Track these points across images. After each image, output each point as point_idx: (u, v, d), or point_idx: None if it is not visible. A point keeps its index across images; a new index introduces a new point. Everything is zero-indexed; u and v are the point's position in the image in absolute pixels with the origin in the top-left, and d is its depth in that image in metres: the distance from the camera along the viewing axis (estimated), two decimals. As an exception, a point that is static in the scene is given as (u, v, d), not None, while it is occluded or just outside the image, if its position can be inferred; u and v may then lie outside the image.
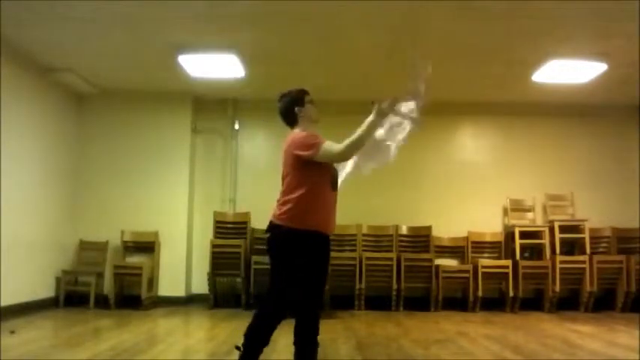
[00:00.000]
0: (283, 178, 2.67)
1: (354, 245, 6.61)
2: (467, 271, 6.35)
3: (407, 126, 2.73)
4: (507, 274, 6.27)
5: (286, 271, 2.58)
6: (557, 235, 6.42)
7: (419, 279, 6.32)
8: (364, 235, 6.69)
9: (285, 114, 2.75)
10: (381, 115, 2.53)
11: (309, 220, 2.55)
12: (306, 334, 2.54)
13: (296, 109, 2.71)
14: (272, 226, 2.62)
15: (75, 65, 5.95)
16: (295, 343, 2.56)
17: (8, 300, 5.17)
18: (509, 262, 6.34)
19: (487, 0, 4.22)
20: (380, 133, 2.72)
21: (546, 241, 6.42)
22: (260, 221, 6.14)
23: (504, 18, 4.55)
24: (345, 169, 2.86)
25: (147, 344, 4.21)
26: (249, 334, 2.61)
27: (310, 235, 2.55)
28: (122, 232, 6.49)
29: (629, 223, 6.62)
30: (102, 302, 6.11)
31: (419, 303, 6.27)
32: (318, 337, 2.59)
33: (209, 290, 6.26)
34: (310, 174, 2.57)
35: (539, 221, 6.80)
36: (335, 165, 2.72)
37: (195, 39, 5.15)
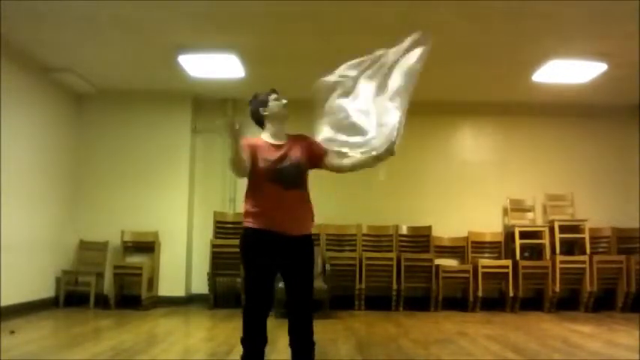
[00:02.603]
0: None
1: (354, 245, 6.62)
2: (467, 271, 6.35)
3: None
4: (507, 274, 6.27)
5: (244, 268, 2.68)
6: (557, 235, 6.42)
7: (419, 279, 6.32)
8: (364, 235, 6.69)
9: (253, 117, 2.77)
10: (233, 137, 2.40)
11: (257, 219, 2.56)
12: (299, 335, 2.55)
13: (260, 109, 2.72)
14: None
15: (75, 65, 5.94)
16: (290, 344, 2.56)
17: (8, 300, 5.17)
18: (509, 262, 6.34)
19: (487, 0, 4.22)
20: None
21: (546, 241, 6.42)
22: (260, 221, 6.14)
23: (504, 18, 4.55)
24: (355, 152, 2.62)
25: (147, 344, 4.21)
26: (242, 336, 2.65)
27: (261, 233, 2.54)
28: (122, 232, 6.49)
29: (629, 223, 6.62)
30: (102, 302, 6.11)
31: (419, 303, 6.27)
32: (316, 337, 2.58)
33: (209, 290, 6.26)
34: (251, 174, 2.63)
35: (539, 221, 6.80)
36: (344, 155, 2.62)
37: (195, 39, 5.15)
